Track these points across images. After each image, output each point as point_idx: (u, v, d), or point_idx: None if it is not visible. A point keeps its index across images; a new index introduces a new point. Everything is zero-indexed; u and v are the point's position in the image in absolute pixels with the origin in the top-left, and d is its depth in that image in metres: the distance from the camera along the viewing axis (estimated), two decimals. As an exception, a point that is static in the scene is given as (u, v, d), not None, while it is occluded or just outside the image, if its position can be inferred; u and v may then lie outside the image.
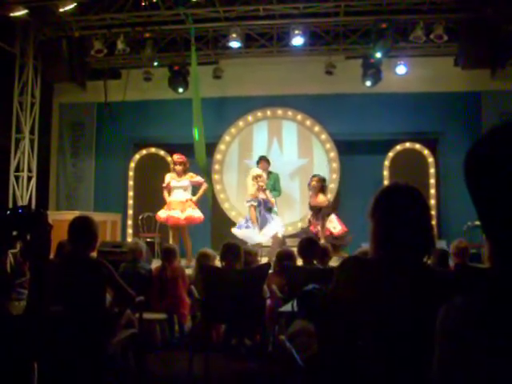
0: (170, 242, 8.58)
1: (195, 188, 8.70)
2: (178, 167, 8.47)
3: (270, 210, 8.34)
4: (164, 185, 8.59)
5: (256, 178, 8.30)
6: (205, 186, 8.66)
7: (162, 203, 8.70)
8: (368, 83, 10.12)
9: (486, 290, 0.97)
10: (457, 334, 0.95)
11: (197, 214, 8.40)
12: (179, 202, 8.35)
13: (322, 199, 8.53)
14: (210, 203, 10.02)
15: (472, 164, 1.04)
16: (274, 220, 8.26)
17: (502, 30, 8.79)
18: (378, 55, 9.56)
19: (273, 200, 8.45)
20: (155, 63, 10.35)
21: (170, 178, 8.54)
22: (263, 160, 9.25)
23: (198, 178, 8.60)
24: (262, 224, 8.15)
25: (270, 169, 9.31)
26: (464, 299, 0.98)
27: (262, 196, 8.24)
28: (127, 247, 6.60)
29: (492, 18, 8.70)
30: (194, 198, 8.46)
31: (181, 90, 10.58)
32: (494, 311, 0.92)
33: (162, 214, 8.43)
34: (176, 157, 8.61)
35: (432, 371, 1.00)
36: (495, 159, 0.98)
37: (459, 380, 0.93)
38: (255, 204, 8.26)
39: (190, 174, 8.57)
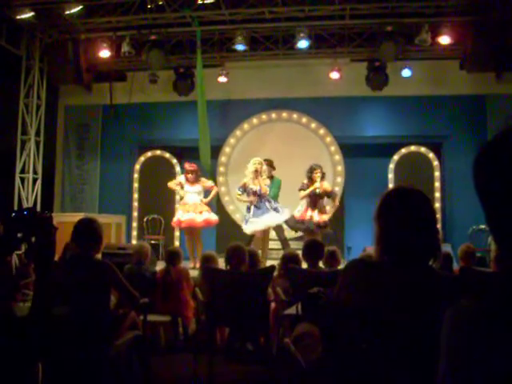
0: (187, 245, 8.66)
1: (207, 192, 8.85)
2: (190, 175, 8.59)
3: (269, 200, 8.23)
4: (173, 182, 8.82)
5: (254, 163, 8.19)
6: (216, 189, 8.91)
7: (167, 206, 8.72)
8: (373, 86, 10.12)
9: (493, 292, 0.97)
10: (463, 337, 0.95)
11: (213, 217, 8.65)
12: (193, 203, 8.52)
13: (327, 185, 8.58)
14: (214, 206, 10.05)
15: (481, 165, 1.03)
16: (271, 210, 8.13)
17: (507, 33, 8.77)
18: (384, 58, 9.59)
19: (266, 188, 8.17)
20: (160, 65, 10.37)
21: (184, 181, 8.67)
22: (267, 163, 9.07)
23: (210, 183, 8.79)
24: (255, 212, 8.11)
25: (275, 173, 9.19)
26: (470, 302, 0.98)
27: (254, 186, 8.14)
28: (132, 249, 6.60)
29: (497, 21, 8.68)
30: (205, 200, 8.62)
31: (186, 92, 10.61)
32: (501, 313, 0.92)
33: (177, 217, 8.56)
34: (187, 165, 8.76)
35: (437, 374, 1.00)
36: (506, 161, 0.98)
37: (466, 382, 0.93)
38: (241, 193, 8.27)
39: (202, 179, 8.73)
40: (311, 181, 8.39)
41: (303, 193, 8.37)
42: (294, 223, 8.46)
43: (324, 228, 8.30)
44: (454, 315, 1.00)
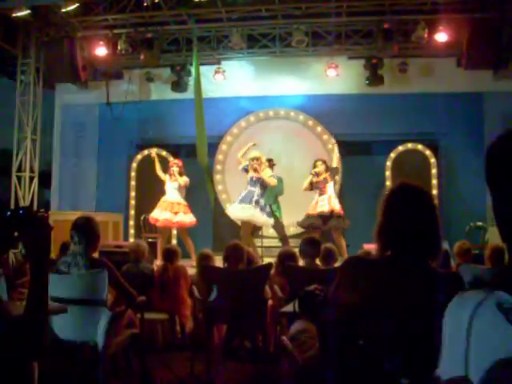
0: (159, 242, 8.67)
1: (187, 193, 8.93)
2: (176, 169, 8.65)
3: (261, 195, 8.22)
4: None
5: (253, 160, 8.21)
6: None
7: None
8: (370, 83, 10.13)
9: (495, 285, 0.96)
10: (464, 327, 0.95)
11: (188, 218, 8.60)
12: (170, 202, 8.57)
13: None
14: (212, 204, 10.03)
15: (494, 157, 1.04)
16: (252, 207, 8.08)
17: (504, 30, 8.78)
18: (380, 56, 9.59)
19: (272, 180, 8.26)
20: (157, 63, 10.36)
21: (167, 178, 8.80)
22: (268, 162, 8.95)
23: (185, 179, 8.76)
24: (243, 199, 8.12)
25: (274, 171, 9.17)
26: (472, 294, 0.98)
27: (253, 175, 8.17)
28: (129, 247, 6.59)
29: (494, 18, 8.68)
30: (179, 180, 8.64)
31: (183, 90, 10.60)
32: (504, 305, 0.92)
33: (155, 215, 8.56)
34: (175, 160, 8.93)
35: (437, 370, 1.00)
36: None
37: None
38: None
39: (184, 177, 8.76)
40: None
41: (304, 185, 8.44)
42: (305, 220, 8.43)
43: (336, 219, 8.21)
44: (455, 306, 0.99)
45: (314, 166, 8.51)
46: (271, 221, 8.31)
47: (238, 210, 8.16)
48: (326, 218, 8.19)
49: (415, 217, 1.90)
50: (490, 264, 5.32)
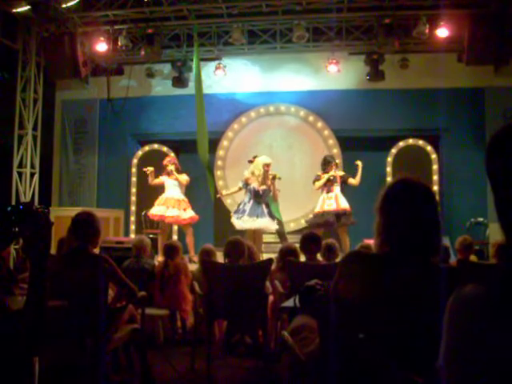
0: (160, 238, 8.67)
1: (189, 189, 8.90)
2: (172, 167, 8.65)
3: (266, 204, 8.25)
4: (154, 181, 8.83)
5: (267, 165, 8.18)
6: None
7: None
8: (371, 79, 10.11)
9: (496, 279, 0.96)
10: (466, 322, 0.95)
11: (185, 215, 8.57)
12: (177, 199, 8.61)
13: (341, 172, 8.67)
14: (212, 199, 10.03)
15: (495, 150, 1.04)
16: (267, 215, 8.14)
17: (506, 25, 8.75)
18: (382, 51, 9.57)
19: (277, 193, 8.35)
20: (158, 59, 10.35)
21: (164, 179, 8.78)
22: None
23: (185, 177, 8.78)
24: (251, 212, 8.11)
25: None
26: (473, 288, 0.98)
27: (258, 186, 8.14)
28: (131, 243, 6.60)
29: (495, 13, 8.66)
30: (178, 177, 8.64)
31: (183, 86, 10.59)
32: (504, 299, 0.92)
33: (158, 211, 8.51)
34: (167, 159, 8.91)
35: (438, 363, 1.00)
36: None
37: (468, 368, 0.93)
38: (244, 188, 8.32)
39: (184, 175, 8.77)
40: (326, 172, 8.48)
41: (318, 183, 8.43)
42: (313, 219, 8.49)
43: (344, 216, 8.29)
44: (456, 300, 0.99)
45: (325, 163, 8.52)
46: (275, 225, 8.31)
47: (247, 223, 8.11)
48: (336, 215, 8.24)
49: (416, 212, 1.89)
50: (496, 260, 5.31)
